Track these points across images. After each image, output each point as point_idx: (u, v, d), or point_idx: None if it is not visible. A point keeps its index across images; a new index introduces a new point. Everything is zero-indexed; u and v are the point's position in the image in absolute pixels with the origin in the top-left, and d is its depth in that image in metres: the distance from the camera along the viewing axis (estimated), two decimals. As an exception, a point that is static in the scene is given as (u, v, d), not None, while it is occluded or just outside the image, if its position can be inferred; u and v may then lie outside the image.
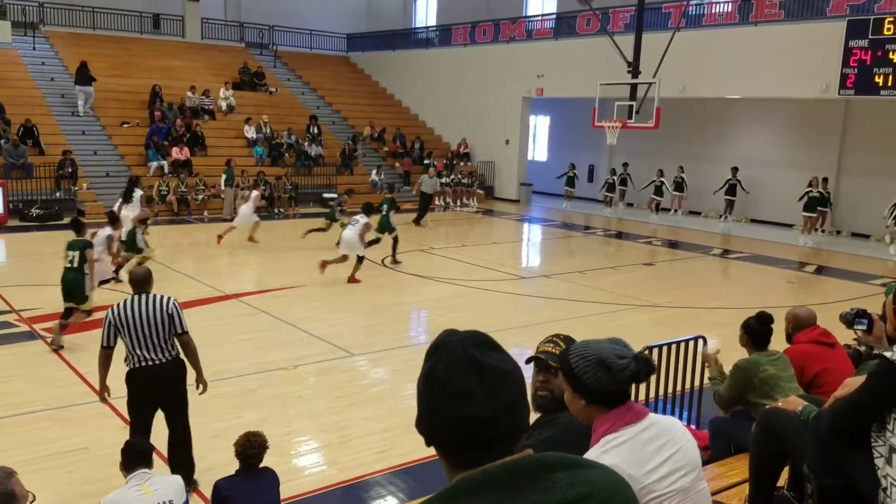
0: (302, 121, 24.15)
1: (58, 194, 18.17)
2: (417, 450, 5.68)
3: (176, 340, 5.14)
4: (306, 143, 23.08)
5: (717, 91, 19.21)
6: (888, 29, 15.33)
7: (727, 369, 4.88)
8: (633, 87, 16.17)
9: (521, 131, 24.48)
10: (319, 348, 8.65)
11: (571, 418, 2.39)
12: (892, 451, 2.55)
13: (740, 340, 4.77)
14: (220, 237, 14.77)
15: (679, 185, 21.63)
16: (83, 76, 20.94)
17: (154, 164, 20.01)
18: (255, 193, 15.74)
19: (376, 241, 13.26)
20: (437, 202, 21.87)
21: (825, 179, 18.18)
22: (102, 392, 5.27)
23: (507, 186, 24.92)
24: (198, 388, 5.29)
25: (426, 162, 23.43)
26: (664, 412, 5.61)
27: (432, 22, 30.59)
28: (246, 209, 15.11)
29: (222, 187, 19.33)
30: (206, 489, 4.90)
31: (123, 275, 10.42)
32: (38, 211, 17.42)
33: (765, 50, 17.47)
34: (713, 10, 19.38)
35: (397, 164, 24.56)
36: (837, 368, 4.48)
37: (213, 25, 28.79)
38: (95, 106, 21.51)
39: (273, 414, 6.59)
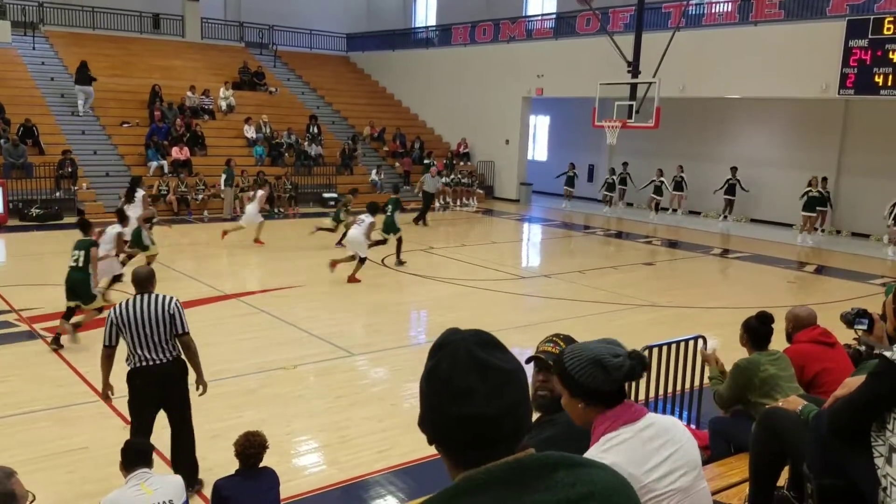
0: (302, 120, 24.15)
1: (58, 194, 18.18)
2: (417, 449, 5.68)
3: (177, 341, 5.14)
4: (306, 143, 23.08)
5: (716, 91, 19.22)
6: (888, 29, 15.33)
7: (728, 369, 4.88)
8: (633, 86, 16.17)
9: (521, 131, 24.49)
10: (319, 348, 8.65)
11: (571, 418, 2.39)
12: (892, 450, 2.55)
13: (741, 340, 4.78)
14: (225, 232, 14.95)
15: (679, 185, 21.64)
16: (83, 76, 20.94)
17: (154, 164, 20.01)
18: (260, 193, 15.82)
19: (383, 241, 13.31)
20: (437, 202, 21.85)
21: (824, 179, 18.18)
22: (106, 391, 5.28)
23: (507, 186, 24.93)
24: (197, 389, 5.29)
25: (426, 162, 23.43)
26: (664, 412, 5.61)
27: (432, 22, 30.59)
28: (252, 209, 15.16)
29: (222, 187, 19.34)
30: (207, 489, 4.91)
31: (127, 274, 10.48)
32: (37, 211, 17.42)
33: (765, 50, 17.47)
34: (713, 10, 19.38)
35: (397, 164, 24.56)
36: (837, 368, 4.48)
37: (212, 25, 28.79)
38: (95, 106, 21.51)
39: (273, 414, 6.59)
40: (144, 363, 5.01)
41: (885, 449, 2.58)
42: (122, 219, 10.70)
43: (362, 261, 12.07)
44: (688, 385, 6.08)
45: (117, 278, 10.20)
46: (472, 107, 25.46)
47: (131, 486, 3.82)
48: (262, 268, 13.67)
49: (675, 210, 22.00)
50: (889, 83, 15.43)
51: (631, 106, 16.11)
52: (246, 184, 19.63)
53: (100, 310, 8.56)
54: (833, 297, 11.73)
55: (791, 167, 19.84)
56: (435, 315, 10.78)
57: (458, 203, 23.14)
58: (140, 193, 13.07)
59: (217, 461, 5.28)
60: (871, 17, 15.76)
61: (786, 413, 3.48)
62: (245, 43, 29.15)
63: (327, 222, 15.42)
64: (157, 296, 5.12)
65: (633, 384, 5.47)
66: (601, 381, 2.21)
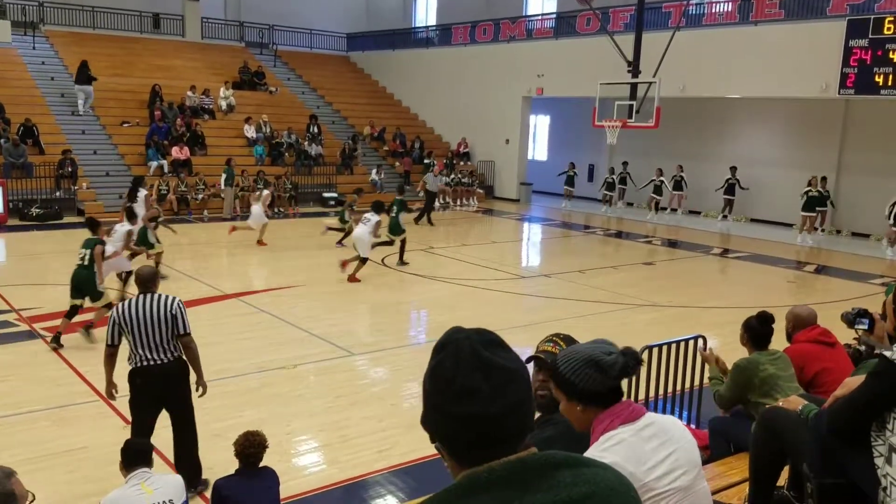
0: (302, 120, 24.15)
1: (58, 194, 18.18)
2: (417, 449, 5.69)
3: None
4: (306, 143, 23.07)
5: (716, 91, 19.22)
6: (888, 28, 15.33)
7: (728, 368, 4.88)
8: (633, 86, 16.16)
9: (521, 131, 24.49)
10: (319, 348, 8.65)
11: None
12: (892, 450, 2.55)
13: (741, 339, 4.77)
14: (234, 228, 15.13)
15: (678, 184, 21.63)
16: (83, 76, 20.93)
17: (154, 164, 20.00)
18: (265, 192, 15.87)
19: (389, 242, 13.32)
20: (437, 202, 21.85)
21: (824, 179, 18.18)
22: (110, 389, 5.29)
23: (507, 186, 24.93)
24: (197, 390, 5.28)
25: (426, 161, 23.44)
26: (664, 412, 5.61)
27: (432, 21, 30.59)
28: (257, 209, 15.19)
29: (222, 187, 19.34)
30: (209, 490, 4.91)
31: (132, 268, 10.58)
32: (37, 210, 17.42)
33: (765, 50, 17.47)
34: (713, 10, 19.38)
35: (397, 164, 24.55)
36: (837, 368, 4.47)
37: (213, 25, 28.78)
38: (95, 105, 21.51)
39: (273, 413, 6.59)
40: (146, 363, 5.01)
41: (885, 448, 2.58)
42: (131, 217, 10.78)
43: (363, 261, 12.08)
44: (687, 385, 6.08)
45: (128, 274, 10.27)
46: (472, 106, 25.45)
47: (131, 485, 3.82)
48: (263, 267, 13.68)
49: (674, 210, 21.99)
50: (889, 83, 15.44)
51: (631, 106, 16.10)
52: (246, 183, 19.64)
53: (109, 306, 8.56)
54: (833, 296, 11.73)
55: (791, 167, 19.84)
56: (435, 315, 10.78)
57: (459, 203, 23.15)
58: (142, 193, 13.13)
59: (217, 461, 5.27)
60: (872, 16, 15.77)
61: (786, 413, 3.47)
62: (245, 43, 29.15)
63: (335, 222, 15.51)
64: (159, 296, 5.12)
65: (633, 384, 5.48)
66: (598, 381, 2.21)
